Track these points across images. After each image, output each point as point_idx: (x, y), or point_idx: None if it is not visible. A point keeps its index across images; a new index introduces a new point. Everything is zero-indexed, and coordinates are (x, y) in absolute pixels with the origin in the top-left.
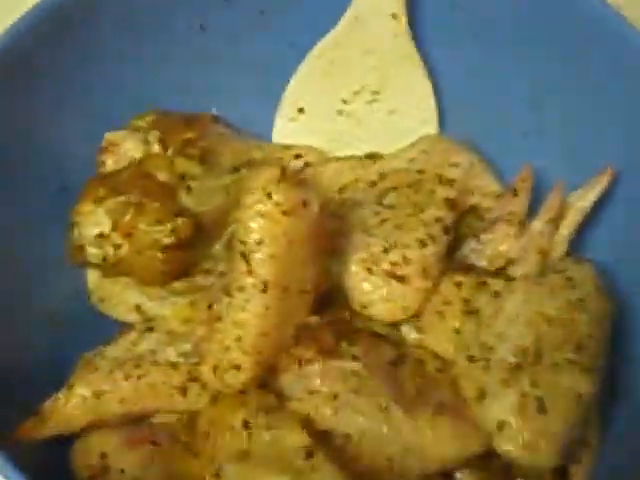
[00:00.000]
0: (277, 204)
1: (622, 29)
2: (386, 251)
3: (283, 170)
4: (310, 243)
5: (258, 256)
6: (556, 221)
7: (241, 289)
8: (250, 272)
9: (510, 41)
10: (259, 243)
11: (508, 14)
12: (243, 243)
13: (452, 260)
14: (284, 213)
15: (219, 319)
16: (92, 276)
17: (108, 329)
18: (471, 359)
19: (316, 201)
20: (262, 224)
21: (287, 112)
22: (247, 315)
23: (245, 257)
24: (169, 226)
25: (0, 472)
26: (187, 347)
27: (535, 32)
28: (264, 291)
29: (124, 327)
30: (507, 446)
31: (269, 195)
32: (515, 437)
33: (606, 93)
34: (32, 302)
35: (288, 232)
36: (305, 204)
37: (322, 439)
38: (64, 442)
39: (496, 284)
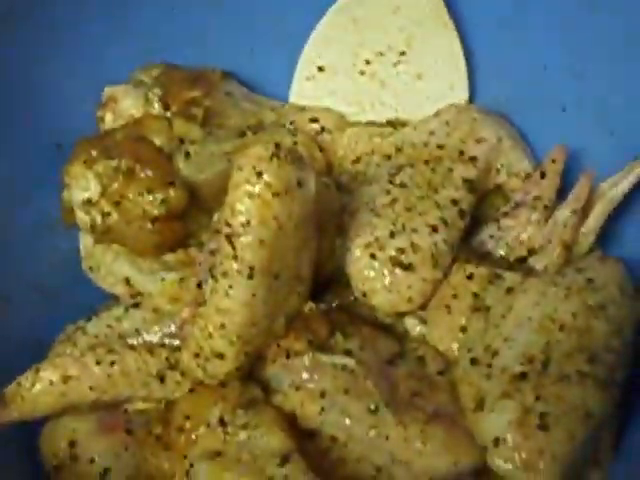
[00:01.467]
0: (267, 185)
1: None
2: (393, 235)
3: (277, 145)
4: (307, 225)
5: (244, 240)
6: (583, 212)
7: (225, 274)
8: (235, 257)
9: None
10: (245, 226)
11: None
12: (229, 225)
13: (467, 245)
14: (275, 194)
15: (203, 303)
16: (85, 241)
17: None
18: (474, 362)
19: (313, 179)
20: (250, 206)
21: (306, 70)
22: (231, 302)
23: (230, 240)
24: (159, 197)
25: None
26: (172, 328)
27: None
28: (250, 277)
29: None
30: (502, 464)
31: (259, 174)
32: (511, 455)
33: None
34: (28, 259)
35: (279, 215)
36: (300, 184)
37: (306, 439)
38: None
39: (510, 279)
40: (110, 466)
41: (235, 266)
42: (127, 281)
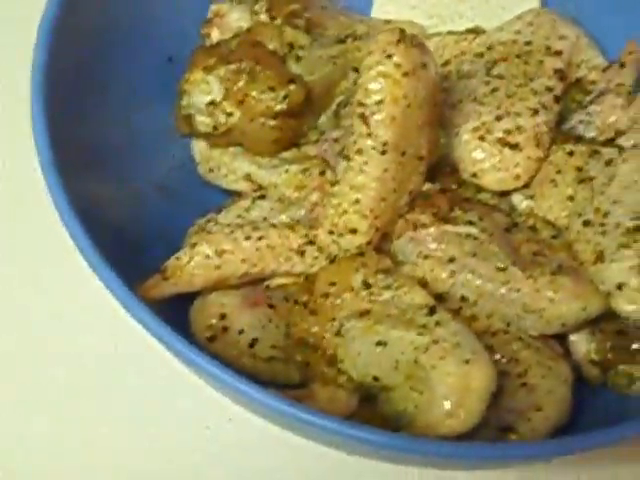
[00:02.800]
0: (397, 65)
1: None
2: (498, 119)
3: (402, 32)
4: (426, 108)
5: (378, 117)
6: None
7: (360, 152)
8: (369, 134)
9: None
10: (379, 104)
11: None
12: (363, 105)
13: (560, 132)
14: (404, 74)
15: (335, 183)
16: (199, 147)
17: (216, 201)
18: (586, 224)
19: (433, 64)
20: (383, 85)
21: None
22: (366, 178)
23: (365, 119)
24: (282, 93)
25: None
26: (300, 213)
27: None
28: (383, 153)
29: (234, 197)
30: (627, 305)
31: (389, 56)
32: (635, 296)
33: None
34: (141, 172)
35: (408, 94)
36: (424, 66)
37: (437, 302)
38: (183, 305)
39: (608, 153)
40: (258, 336)
41: (370, 143)
42: (249, 177)
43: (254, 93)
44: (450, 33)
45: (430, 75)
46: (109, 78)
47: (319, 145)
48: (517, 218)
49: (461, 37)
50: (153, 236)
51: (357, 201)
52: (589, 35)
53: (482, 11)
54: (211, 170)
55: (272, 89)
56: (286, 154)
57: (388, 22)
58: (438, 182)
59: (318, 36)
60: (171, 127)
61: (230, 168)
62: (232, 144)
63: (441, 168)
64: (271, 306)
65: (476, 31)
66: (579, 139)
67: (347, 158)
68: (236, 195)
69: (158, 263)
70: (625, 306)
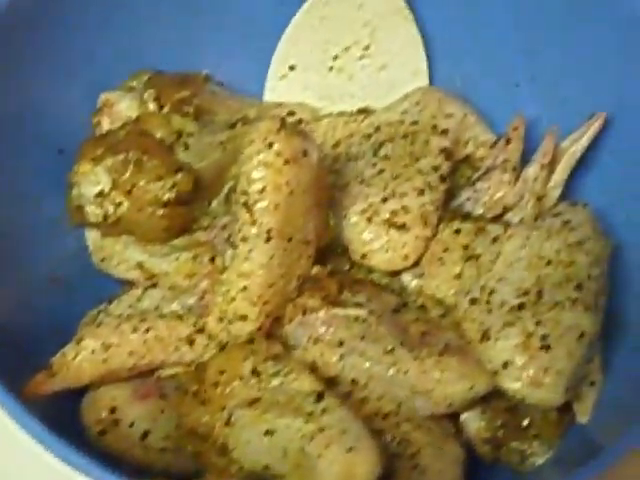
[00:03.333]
0: (278, 153)
1: None
2: (385, 200)
3: (282, 121)
4: (311, 193)
5: (261, 205)
6: (550, 166)
7: (245, 239)
8: (254, 222)
9: None
10: (262, 192)
11: None
12: (245, 194)
13: (448, 209)
14: (285, 162)
15: (224, 270)
16: (92, 236)
17: (110, 289)
18: (473, 301)
19: (315, 150)
20: (264, 173)
21: (278, 70)
22: (252, 265)
23: (248, 207)
24: (169, 182)
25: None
26: (191, 301)
27: None
28: (268, 240)
29: (126, 285)
30: (512, 384)
31: (270, 145)
32: (520, 374)
33: (602, 43)
34: (33, 264)
35: (290, 181)
36: (305, 153)
37: (328, 386)
38: (72, 400)
39: (495, 230)
40: (149, 428)
41: (254, 230)
42: (140, 265)
43: (141, 183)
44: (340, 114)
45: (312, 161)
46: None
47: (209, 231)
48: (407, 297)
49: (351, 118)
50: (47, 330)
51: (245, 288)
52: (477, 110)
53: (372, 90)
54: (104, 259)
55: (159, 178)
56: (177, 241)
57: (279, 105)
58: (330, 262)
59: (208, 122)
60: (63, 217)
61: (122, 257)
62: (123, 233)
63: (332, 249)
64: (163, 396)
65: (366, 110)
66: (467, 216)
67: (234, 246)
68: (129, 284)
69: (52, 354)
70: (511, 384)
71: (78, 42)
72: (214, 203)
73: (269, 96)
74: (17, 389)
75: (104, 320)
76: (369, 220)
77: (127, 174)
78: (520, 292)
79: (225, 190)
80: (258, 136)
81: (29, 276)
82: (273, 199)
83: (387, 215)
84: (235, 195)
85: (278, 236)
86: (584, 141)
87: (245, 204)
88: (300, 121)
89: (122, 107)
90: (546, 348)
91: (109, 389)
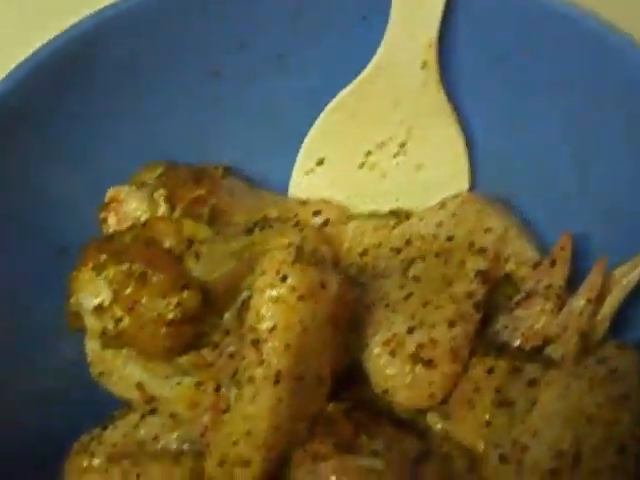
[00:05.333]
0: (292, 288)
1: None
2: (411, 331)
3: (298, 250)
4: (328, 327)
5: (271, 345)
6: (598, 300)
7: (251, 380)
8: (261, 362)
9: (551, 91)
10: (272, 331)
11: (552, 65)
12: (254, 330)
13: (483, 336)
14: (300, 298)
15: (227, 410)
16: (92, 345)
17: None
18: (503, 459)
19: (335, 280)
20: (276, 311)
21: (305, 164)
22: (257, 408)
23: (256, 345)
24: (174, 300)
25: None
26: (192, 434)
27: (582, 85)
28: (276, 383)
29: (124, 405)
30: None
31: (283, 278)
32: None
33: None
34: (31, 370)
35: (304, 319)
36: (323, 285)
37: None
38: None
39: (532, 371)
40: None
41: (261, 372)
42: (140, 386)
43: (144, 300)
44: (371, 215)
45: (330, 293)
46: None
47: (216, 355)
48: (432, 440)
49: (381, 222)
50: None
51: (249, 432)
52: (520, 221)
53: (406, 190)
54: (102, 374)
55: (163, 295)
56: (183, 359)
57: (304, 203)
58: (347, 393)
59: (223, 226)
60: (62, 322)
61: (121, 374)
62: (125, 346)
63: (354, 374)
64: None
65: (398, 214)
66: (502, 348)
67: (239, 385)
68: (127, 404)
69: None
70: None
71: (83, 131)
72: (226, 315)
73: (294, 191)
74: None
75: (96, 450)
76: (393, 353)
77: (129, 289)
78: (555, 453)
79: (239, 302)
80: (270, 267)
81: (27, 384)
82: (284, 339)
83: (413, 348)
84: (243, 328)
85: (288, 378)
86: (637, 273)
87: (254, 341)
88: (326, 222)
89: (131, 206)
90: None
91: None
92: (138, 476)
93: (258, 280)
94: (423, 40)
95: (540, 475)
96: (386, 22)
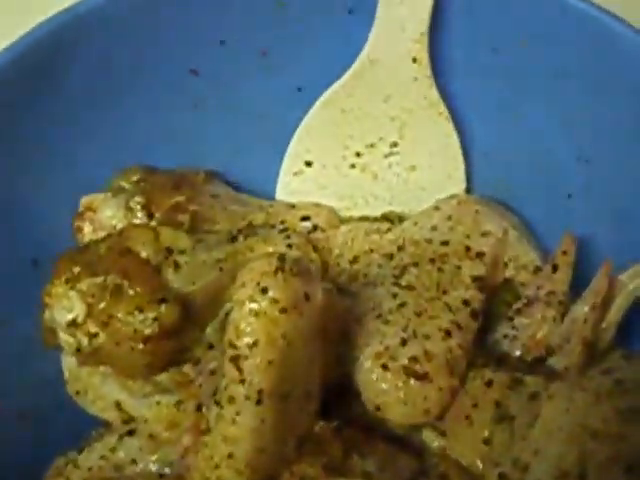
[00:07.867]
0: (274, 301)
1: None
2: (404, 343)
3: (280, 259)
4: (316, 340)
5: (252, 362)
6: (603, 306)
7: (232, 400)
8: (242, 381)
9: (551, 85)
10: (253, 347)
11: (552, 57)
12: (234, 347)
13: (481, 347)
14: (282, 311)
15: (207, 431)
16: (68, 363)
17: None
18: (503, 478)
19: (320, 291)
20: (256, 325)
21: (293, 166)
22: (239, 430)
23: (236, 363)
24: (151, 315)
25: None
26: (172, 456)
27: (584, 78)
28: (259, 402)
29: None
30: None
31: (264, 290)
32: None
33: None
34: (6, 387)
35: (287, 333)
36: (307, 297)
37: None
38: None
39: (533, 383)
40: None
41: (242, 391)
42: (118, 405)
43: (120, 315)
44: (363, 219)
45: (315, 305)
46: None
47: (197, 372)
48: (427, 459)
49: (373, 226)
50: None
51: (230, 455)
52: (520, 223)
53: (399, 193)
54: (79, 393)
55: (140, 310)
56: (162, 376)
57: (292, 207)
58: (338, 409)
59: (204, 234)
60: (38, 337)
61: (99, 393)
62: (101, 364)
63: (345, 388)
64: None
65: (391, 218)
66: (502, 359)
67: (219, 405)
68: (104, 424)
69: None
70: None
71: (55, 134)
72: (209, 328)
73: (281, 194)
74: None
75: (72, 474)
76: (385, 367)
77: (103, 303)
78: (559, 472)
79: (222, 314)
80: (250, 279)
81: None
82: (266, 355)
83: (406, 361)
84: (222, 344)
85: (271, 396)
86: None
87: (233, 359)
88: (315, 227)
89: (107, 214)
90: None
91: None
92: None
93: (237, 292)
94: (413, 33)
95: None
96: (374, 15)
